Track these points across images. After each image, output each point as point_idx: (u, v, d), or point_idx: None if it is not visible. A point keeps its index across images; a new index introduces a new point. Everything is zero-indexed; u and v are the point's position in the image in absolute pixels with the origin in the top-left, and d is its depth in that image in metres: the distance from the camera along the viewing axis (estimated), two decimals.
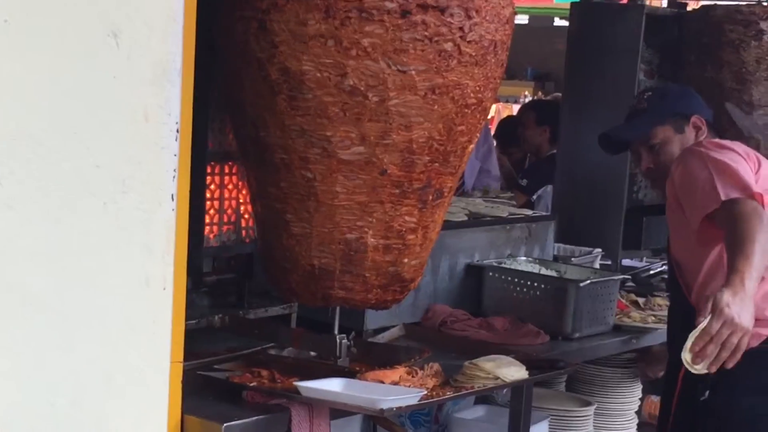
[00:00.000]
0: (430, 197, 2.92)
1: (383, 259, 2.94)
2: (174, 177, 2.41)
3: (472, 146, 3.00)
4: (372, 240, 2.90)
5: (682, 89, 4.01)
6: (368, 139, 2.79)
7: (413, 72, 2.75)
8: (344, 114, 2.77)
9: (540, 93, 13.33)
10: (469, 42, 2.79)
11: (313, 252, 2.94)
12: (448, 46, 2.76)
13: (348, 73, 2.74)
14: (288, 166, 2.89)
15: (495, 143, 7.52)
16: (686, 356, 2.82)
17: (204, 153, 3.05)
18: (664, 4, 9.66)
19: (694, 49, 4.96)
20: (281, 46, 2.77)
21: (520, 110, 8.06)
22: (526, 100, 11.28)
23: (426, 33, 2.74)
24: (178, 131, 2.41)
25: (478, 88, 2.87)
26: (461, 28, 2.77)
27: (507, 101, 13.27)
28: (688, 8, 5.51)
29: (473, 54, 2.81)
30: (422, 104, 2.79)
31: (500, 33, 2.87)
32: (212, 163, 3.12)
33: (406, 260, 2.97)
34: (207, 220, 3.13)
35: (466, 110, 2.87)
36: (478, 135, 3.02)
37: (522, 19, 14.35)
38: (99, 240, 2.29)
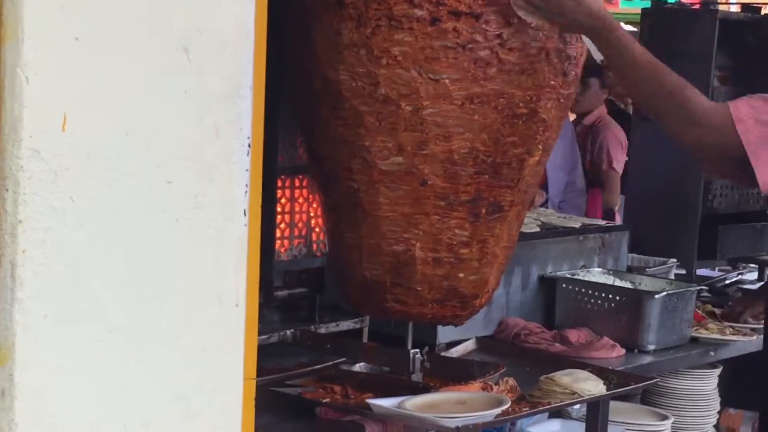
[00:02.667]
0: (483, 211, 2.85)
1: (434, 272, 2.89)
2: (246, 192, 2.38)
3: (534, 159, 2.90)
4: (420, 253, 2.86)
5: None
6: (405, 149, 2.76)
7: (446, 80, 2.69)
8: (380, 124, 2.75)
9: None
10: (510, 50, 2.71)
11: (364, 263, 2.93)
12: (485, 53, 2.69)
13: (380, 82, 2.71)
14: (336, 177, 2.90)
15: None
16: None
17: (274, 167, 3.04)
18: (733, 9, 9.54)
19: None
20: (322, 56, 2.76)
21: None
22: None
23: (458, 40, 2.68)
24: (249, 146, 2.38)
25: (528, 98, 2.77)
26: (499, 35, 2.69)
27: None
28: (762, 12, 5.41)
29: (516, 62, 2.72)
30: (460, 114, 2.73)
31: (553, 40, 2.77)
32: (282, 176, 3.10)
33: (461, 275, 2.91)
34: (278, 234, 3.11)
35: (516, 120, 2.79)
36: (540, 147, 2.91)
37: None
38: (171, 257, 2.27)
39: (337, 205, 2.94)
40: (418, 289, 2.90)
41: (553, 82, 2.82)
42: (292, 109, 3.00)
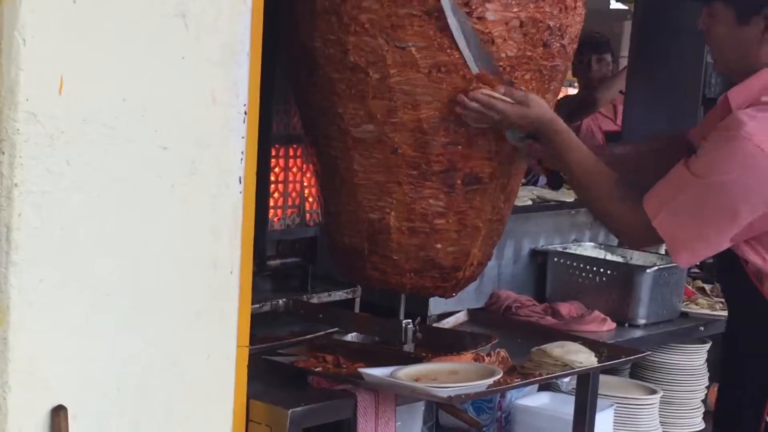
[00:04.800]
0: (459, 181, 2.83)
1: (409, 242, 2.89)
2: (242, 159, 2.38)
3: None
4: (395, 222, 2.86)
5: None
6: (376, 117, 2.75)
7: (412, 48, 2.67)
8: (350, 91, 2.75)
9: None
10: (478, 18, 2.67)
11: (343, 230, 2.95)
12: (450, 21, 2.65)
13: (349, 49, 2.71)
14: (317, 144, 2.91)
15: None
16: None
17: (269, 135, 3.03)
18: None
19: None
20: (300, 23, 2.76)
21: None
22: None
23: (423, 8, 2.65)
24: (245, 113, 2.38)
25: (502, 69, 2.73)
26: (467, 4, 2.65)
27: (564, 85, 13.13)
28: None
29: (485, 31, 2.68)
30: (427, 82, 2.70)
31: (529, 10, 2.72)
32: (277, 145, 3.10)
33: (438, 246, 2.90)
34: (271, 203, 3.11)
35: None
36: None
37: None
38: (166, 222, 2.27)
39: (321, 172, 2.96)
40: (395, 258, 2.91)
41: (529, 53, 2.77)
42: (287, 78, 3.00)
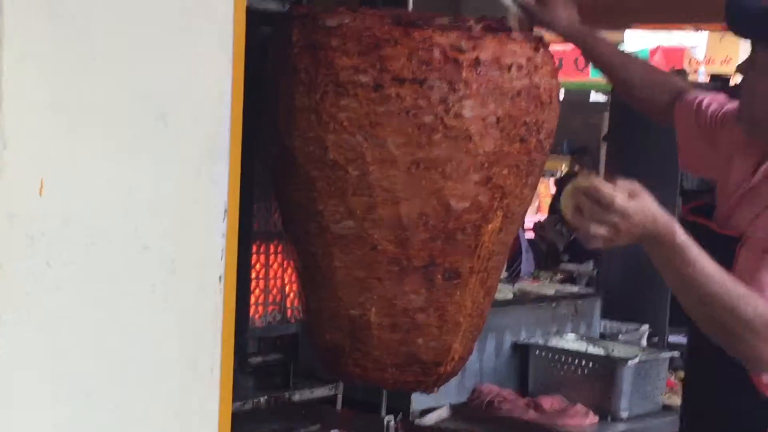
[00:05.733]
0: (439, 276, 2.84)
1: (391, 337, 2.88)
2: (222, 257, 2.38)
3: (492, 226, 2.85)
4: (375, 318, 2.86)
5: None
6: (355, 213, 2.77)
7: (391, 145, 2.70)
8: (330, 188, 2.76)
9: (577, 167, 13.33)
10: (456, 116, 2.69)
11: (325, 327, 2.94)
12: (429, 119, 2.68)
13: (329, 146, 2.73)
14: (298, 241, 2.92)
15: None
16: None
17: (250, 232, 3.04)
18: (701, 79, 9.65)
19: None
20: (279, 121, 2.79)
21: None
22: (563, 175, 11.25)
23: (401, 106, 2.68)
24: (225, 211, 2.39)
25: (480, 164, 2.75)
26: (444, 101, 2.68)
27: (543, 175, 13.25)
28: (731, 83, 5.48)
29: (462, 128, 2.71)
30: (406, 179, 2.72)
31: (506, 107, 2.75)
32: (258, 242, 3.11)
33: (420, 341, 2.90)
34: (252, 300, 3.11)
35: (466, 186, 2.76)
36: (499, 215, 2.84)
37: None
38: (147, 322, 2.26)
39: (301, 269, 2.97)
40: (376, 353, 2.90)
41: (507, 149, 2.78)
42: (268, 175, 3.02)
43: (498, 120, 2.74)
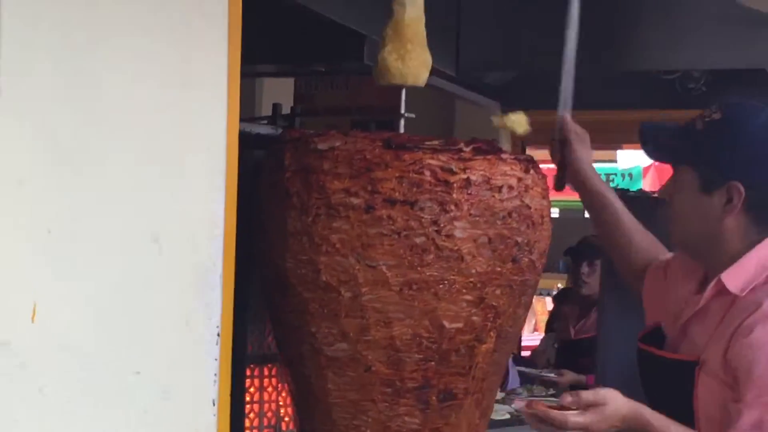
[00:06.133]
0: (434, 398, 2.83)
1: None
2: (215, 382, 2.38)
3: (486, 346, 2.84)
4: None
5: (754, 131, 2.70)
6: (349, 335, 2.76)
7: (383, 267, 2.71)
8: (323, 310, 2.77)
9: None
10: (447, 236, 2.71)
11: None
12: (420, 240, 2.69)
13: (321, 269, 2.74)
14: (291, 363, 2.91)
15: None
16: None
17: (244, 356, 3.03)
18: None
19: None
20: (272, 244, 2.81)
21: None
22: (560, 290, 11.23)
23: (393, 227, 2.69)
24: (219, 335, 2.39)
25: (472, 284, 2.76)
26: (435, 222, 2.69)
27: (540, 294, 13.22)
28: None
29: (454, 248, 2.72)
30: (399, 300, 2.72)
31: (497, 227, 2.76)
32: (251, 365, 3.10)
33: None
34: (247, 424, 3.08)
35: (459, 307, 2.76)
36: (493, 335, 2.84)
37: (553, 213, 14.43)
38: None
39: (295, 391, 2.96)
40: None
41: (499, 269, 2.79)
42: (261, 297, 3.02)
43: (489, 240, 2.75)
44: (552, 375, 6.17)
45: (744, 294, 2.65)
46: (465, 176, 2.73)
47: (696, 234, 2.75)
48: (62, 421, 2.09)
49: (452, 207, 2.71)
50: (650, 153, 2.92)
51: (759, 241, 2.67)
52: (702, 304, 2.74)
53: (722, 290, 2.69)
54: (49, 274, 2.06)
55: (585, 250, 6.65)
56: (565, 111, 3.25)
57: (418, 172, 2.70)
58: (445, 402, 2.84)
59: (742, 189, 2.63)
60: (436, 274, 2.72)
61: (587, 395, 2.57)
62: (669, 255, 3.07)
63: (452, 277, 2.73)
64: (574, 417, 2.54)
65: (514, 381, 6.37)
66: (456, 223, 2.71)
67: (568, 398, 2.58)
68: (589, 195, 3.22)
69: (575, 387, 5.86)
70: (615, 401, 2.57)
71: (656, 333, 2.93)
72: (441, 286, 2.73)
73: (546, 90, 3.54)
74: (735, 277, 2.67)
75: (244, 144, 2.54)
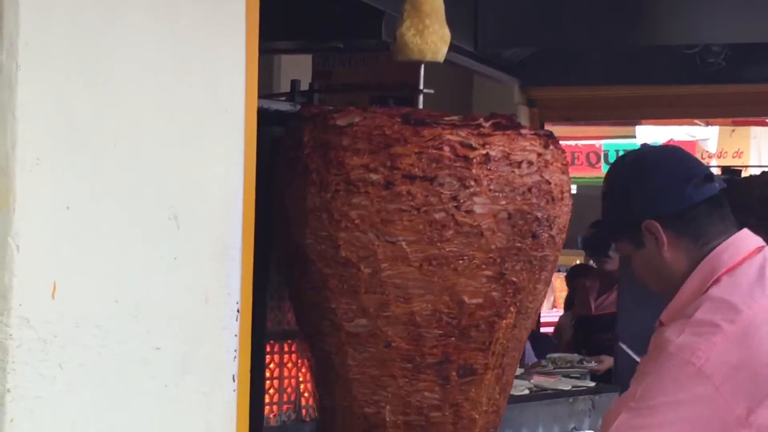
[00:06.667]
0: (454, 373, 2.83)
1: None
2: (235, 357, 2.38)
3: (506, 322, 2.83)
4: (390, 416, 2.84)
5: (645, 167, 2.69)
6: (368, 311, 2.76)
7: (403, 243, 2.70)
8: (342, 286, 2.77)
9: (591, 261, 13.28)
10: (467, 212, 2.70)
11: (339, 426, 2.93)
12: (440, 216, 2.69)
13: (340, 245, 2.74)
14: (311, 339, 2.92)
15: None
16: None
17: (263, 332, 3.03)
18: (714, 171, 9.67)
19: (756, 210, 4.93)
20: (291, 220, 2.80)
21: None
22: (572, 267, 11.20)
23: (412, 203, 2.69)
24: (238, 311, 2.39)
25: (491, 260, 2.75)
26: (455, 198, 2.69)
27: (559, 270, 13.21)
28: (742, 174, 5.50)
29: (474, 224, 2.72)
30: (419, 275, 2.72)
31: (517, 203, 2.76)
32: (271, 342, 3.10)
33: None
34: (267, 399, 3.09)
35: (480, 282, 2.76)
36: (513, 310, 2.84)
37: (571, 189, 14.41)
38: (159, 423, 2.25)
39: (315, 367, 2.96)
40: None
41: (519, 244, 2.78)
42: (281, 273, 3.02)
43: (509, 216, 2.75)
44: (592, 363, 6.09)
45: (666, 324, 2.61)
46: (484, 152, 2.72)
47: (658, 280, 2.66)
48: (82, 397, 2.10)
49: (472, 182, 2.70)
50: (595, 254, 3.01)
51: (705, 255, 2.62)
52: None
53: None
54: (68, 251, 2.06)
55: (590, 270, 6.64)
56: None
57: (438, 148, 2.69)
58: (465, 377, 2.84)
59: (655, 223, 2.56)
60: (455, 249, 2.72)
61: None
62: None
63: (472, 252, 2.73)
64: None
65: (530, 357, 6.35)
66: (475, 199, 2.71)
67: None
68: None
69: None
70: None
71: None
72: (461, 261, 2.72)
73: (563, 65, 3.52)
74: (667, 314, 2.62)
75: (263, 120, 2.54)
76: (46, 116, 1.99)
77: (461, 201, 2.70)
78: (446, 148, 2.70)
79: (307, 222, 2.77)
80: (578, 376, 4.93)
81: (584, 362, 5.91)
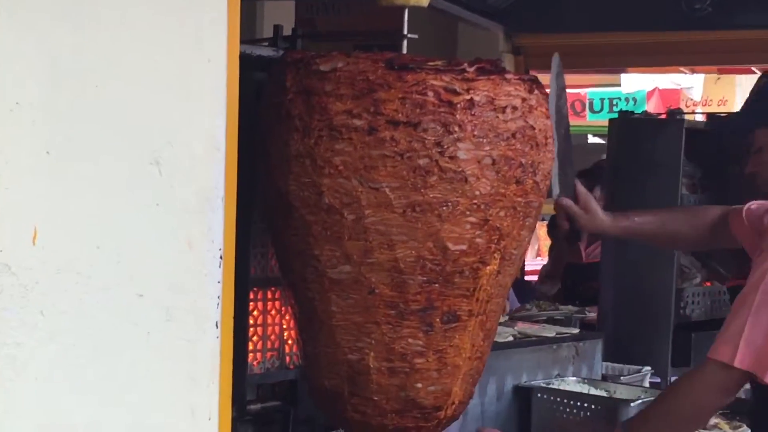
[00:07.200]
0: (438, 320, 2.82)
1: (389, 382, 2.86)
2: (218, 304, 2.37)
3: (490, 268, 2.83)
4: (374, 362, 2.84)
5: None
6: (352, 257, 2.76)
7: (386, 189, 2.69)
8: (326, 232, 2.76)
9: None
10: (451, 158, 2.69)
11: (323, 373, 2.93)
12: (424, 162, 2.67)
13: (324, 191, 2.73)
14: (294, 287, 2.91)
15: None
16: None
17: (246, 279, 3.03)
18: (699, 118, 9.67)
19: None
20: (274, 167, 2.79)
21: None
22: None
23: (396, 149, 2.67)
24: (221, 258, 2.38)
25: (475, 206, 2.75)
26: (438, 143, 2.67)
27: (543, 219, 13.22)
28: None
29: (458, 170, 2.70)
30: (402, 222, 2.71)
31: (501, 148, 2.74)
32: (255, 289, 3.09)
33: (419, 385, 2.88)
34: (250, 347, 3.09)
35: (463, 228, 2.75)
36: (497, 257, 2.83)
37: None
38: (143, 370, 2.25)
39: (299, 314, 2.96)
40: (375, 399, 2.88)
41: (503, 191, 2.77)
42: (264, 220, 3.01)
43: (493, 161, 2.74)
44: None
45: None
46: (468, 97, 2.70)
47: None
48: (65, 344, 2.09)
49: (456, 128, 2.69)
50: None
51: None
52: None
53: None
54: (49, 196, 2.04)
55: (600, 173, 6.56)
56: (561, 196, 3.45)
57: (421, 93, 2.67)
58: (449, 324, 2.84)
59: None
60: (439, 195, 2.70)
61: None
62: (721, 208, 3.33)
63: (456, 198, 2.72)
64: None
65: (514, 304, 6.36)
66: (459, 145, 2.69)
67: None
68: (632, 238, 3.44)
69: None
70: None
71: None
72: (444, 207, 2.71)
73: (548, 12, 3.51)
74: None
75: (245, 66, 2.51)
76: (27, 58, 1.97)
77: (445, 147, 2.68)
78: (430, 93, 2.68)
79: (290, 168, 2.76)
80: (561, 318, 4.95)
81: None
